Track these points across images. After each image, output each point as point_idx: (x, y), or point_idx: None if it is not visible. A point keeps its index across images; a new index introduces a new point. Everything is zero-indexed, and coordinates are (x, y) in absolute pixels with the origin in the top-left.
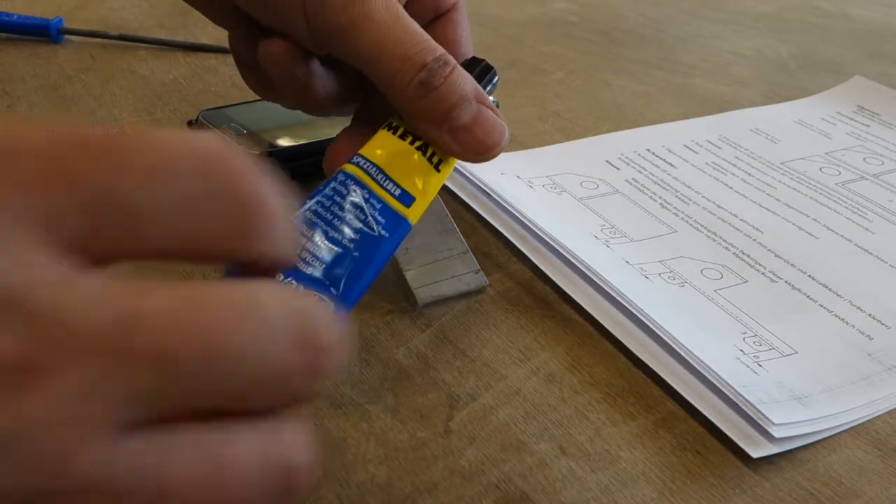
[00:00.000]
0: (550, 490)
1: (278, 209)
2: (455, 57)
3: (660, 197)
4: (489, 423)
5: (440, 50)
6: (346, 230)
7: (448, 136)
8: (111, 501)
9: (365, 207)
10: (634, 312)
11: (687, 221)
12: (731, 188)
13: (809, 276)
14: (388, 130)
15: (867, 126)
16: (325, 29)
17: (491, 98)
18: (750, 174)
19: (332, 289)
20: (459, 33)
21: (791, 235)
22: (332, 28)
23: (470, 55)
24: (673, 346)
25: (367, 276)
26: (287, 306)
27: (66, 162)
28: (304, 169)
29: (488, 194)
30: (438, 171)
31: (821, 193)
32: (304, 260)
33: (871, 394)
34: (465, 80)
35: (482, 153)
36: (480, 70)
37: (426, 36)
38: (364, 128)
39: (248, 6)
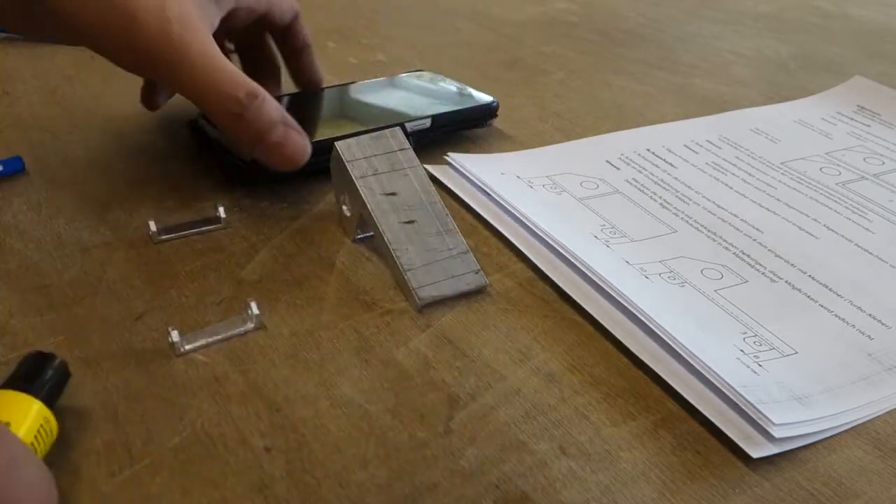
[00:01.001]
0: (550, 490)
1: None
2: (312, 81)
3: (660, 197)
4: (489, 423)
5: (250, 84)
6: None
7: (262, 153)
8: None
9: None
10: (634, 312)
11: (687, 221)
12: (731, 188)
13: (809, 276)
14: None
15: (867, 126)
16: (145, 65)
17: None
18: (750, 174)
19: None
20: (312, 67)
21: (791, 235)
22: (163, 74)
23: (321, 83)
24: (673, 346)
25: None
26: None
27: None
28: (308, 168)
29: (488, 194)
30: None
31: (821, 193)
32: None
33: (871, 394)
34: (272, 108)
35: (290, 166)
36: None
37: (237, 73)
38: None
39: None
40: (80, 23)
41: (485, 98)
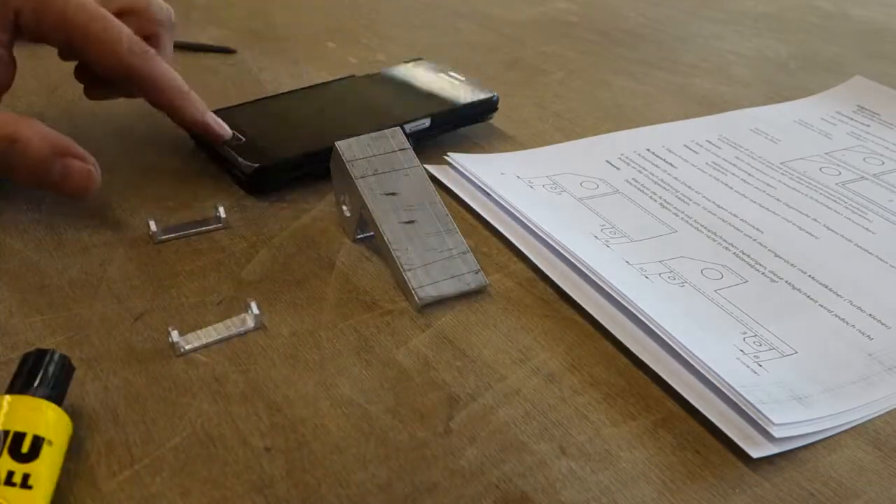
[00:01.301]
0: (550, 490)
1: None
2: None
3: (660, 197)
4: (489, 423)
5: (6, 129)
6: None
7: (50, 190)
8: None
9: None
10: (634, 312)
11: (687, 221)
12: (731, 188)
13: (809, 276)
14: None
15: (867, 126)
16: (52, 32)
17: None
18: (750, 174)
19: None
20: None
21: (791, 235)
22: (54, 29)
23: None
24: (673, 346)
25: None
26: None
27: None
28: (308, 173)
29: (488, 194)
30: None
31: (821, 193)
32: None
33: (871, 394)
34: (37, 148)
35: (82, 195)
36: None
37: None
38: None
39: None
40: None
41: (484, 93)
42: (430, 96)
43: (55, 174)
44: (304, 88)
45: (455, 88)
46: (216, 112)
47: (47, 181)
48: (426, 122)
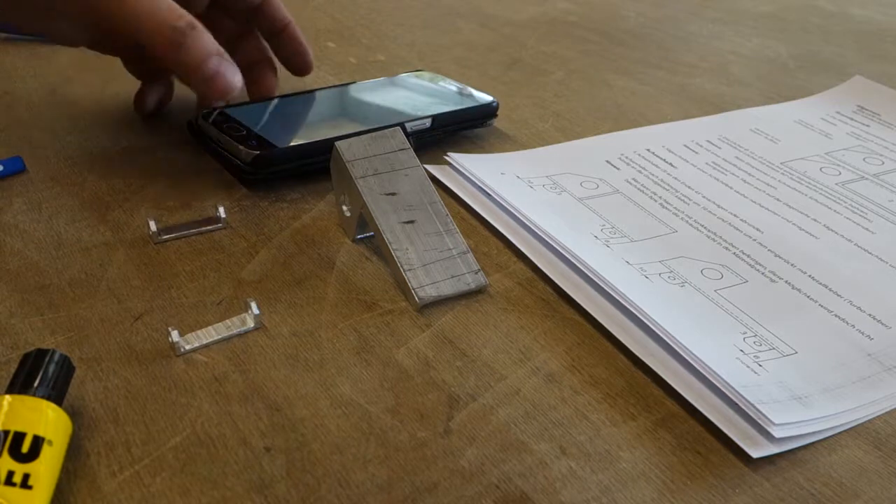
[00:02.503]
0: (550, 490)
1: None
2: (304, 63)
3: (660, 197)
4: (489, 423)
5: (188, 15)
6: None
7: (198, 84)
8: None
9: None
10: (634, 312)
11: (687, 221)
12: (731, 188)
13: (809, 276)
14: None
15: (867, 126)
16: (98, 20)
17: None
18: (750, 174)
19: None
20: (298, 43)
21: (791, 235)
22: (96, 12)
23: (308, 55)
24: (673, 346)
25: None
26: None
27: None
28: (308, 168)
29: (488, 194)
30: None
31: (821, 193)
32: None
33: (871, 394)
34: (209, 39)
35: (223, 96)
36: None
37: (176, 5)
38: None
39: (36, 28)
40: None
41: (485, 98)
42: (431, 99)
43: (210, 69)
44: (304, 92)
45: (456, 93)
46: (213, 110)
47: (200, 73)
48: (427, 122)
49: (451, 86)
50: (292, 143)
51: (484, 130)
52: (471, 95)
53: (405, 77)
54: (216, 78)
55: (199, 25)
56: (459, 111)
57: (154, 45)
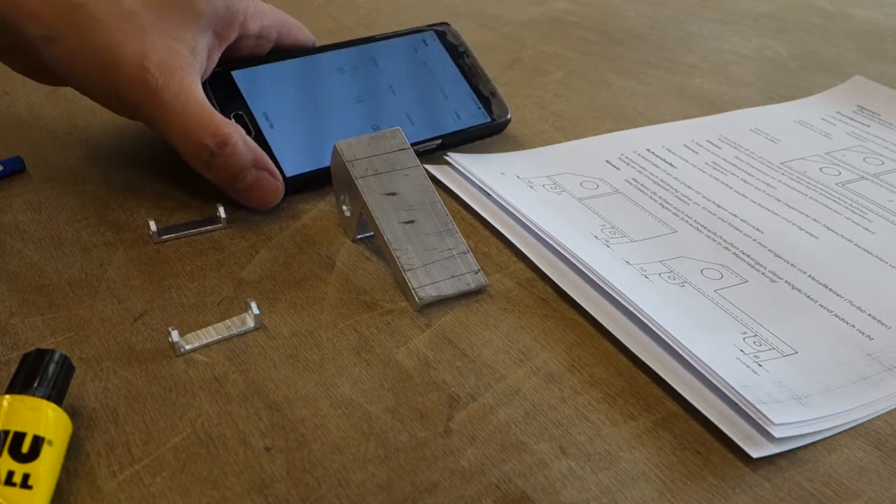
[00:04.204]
0: (550, 490)
1: None
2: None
3: (660, 197)
4: (489, 423)
5: (222, 131)
6: None
7: (234, 194)
8: None
9: None
10: (634, 312)
11: (687, 221)
12: (731, 188)
13: (809, 276)
14: None
15: (867, 126)
16: (129, 110)
17: None
18: (750, 174)
19: None
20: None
21: (791, 235)
22: (143, 119)
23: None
24: (673, 346)
25: None
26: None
27: None
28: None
29: (488, 194)
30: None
31: (821, 193)
32: None
33: (871, 394)
34: (242, 155)
35: (263, 206)
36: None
37: (211, 119)
38: None
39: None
40: (72, 72)
41: (501, 110)
42: (444, 107)
43: (247, 182)
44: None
45: (474, 98)
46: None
47: (238, 186)
48: (436, 143)
49: (471, 81)
50: (301, 172)
51: None
52: (489, 100)
53: (421, 54)
54: (251, 191)
55: (233, 139)
56: (471, 129)
57: (188, 162)
